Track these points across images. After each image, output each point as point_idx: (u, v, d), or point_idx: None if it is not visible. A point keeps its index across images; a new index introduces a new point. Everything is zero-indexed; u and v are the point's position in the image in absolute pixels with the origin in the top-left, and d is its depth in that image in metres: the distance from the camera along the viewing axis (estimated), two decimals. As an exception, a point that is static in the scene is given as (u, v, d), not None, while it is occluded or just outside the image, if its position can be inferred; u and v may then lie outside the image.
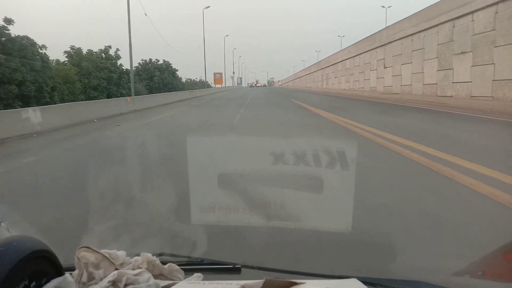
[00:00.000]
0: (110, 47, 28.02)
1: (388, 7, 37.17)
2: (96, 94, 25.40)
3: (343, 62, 32.01)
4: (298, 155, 0.75)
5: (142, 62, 41.23)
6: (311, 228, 0.79)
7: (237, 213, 0.72)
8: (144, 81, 39.26)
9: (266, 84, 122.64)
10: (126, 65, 38.89)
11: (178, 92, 27.10)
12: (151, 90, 36.74)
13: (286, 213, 0.72)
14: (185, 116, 11.13)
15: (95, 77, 25.89)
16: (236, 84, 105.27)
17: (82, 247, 0.69)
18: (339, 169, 0.73)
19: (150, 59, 41.80)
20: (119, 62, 28.71)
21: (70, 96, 21.29)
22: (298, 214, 0.74)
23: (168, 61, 42.97)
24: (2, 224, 0.70)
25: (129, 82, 28.28)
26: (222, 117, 9.98)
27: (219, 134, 5.68)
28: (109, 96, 24.49)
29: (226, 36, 62.11)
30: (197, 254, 0.82)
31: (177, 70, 45.22)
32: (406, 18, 18.94)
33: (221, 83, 64.93)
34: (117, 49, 28.97)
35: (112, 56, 28.00)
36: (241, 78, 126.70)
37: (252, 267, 0.68)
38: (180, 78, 51.45)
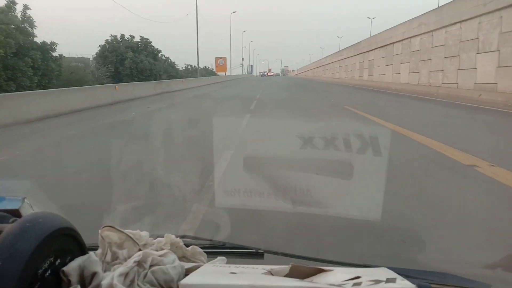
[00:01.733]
0: (14, 2, 22.88)
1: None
2: None
3: (405, 41, 30.61)
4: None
5: (111, 39, 42.18)
6: (338, 214, 1.09)
7: (262, 197, 1.02)
8: (111, 65, 39.33)
9: (280, 73, 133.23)
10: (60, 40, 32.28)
11: (106, 86, 20.99)
12: (121, 79, 37.01)
13: (313, 199, 1.02)
14: None
15: None
16: (246, 73, 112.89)
17: (105, 226, 1.02)
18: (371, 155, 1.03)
19: (123, 35, 42.84)
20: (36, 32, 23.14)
21: None
22: (325, 200, 1.04)
23: (147, 39, 43.94)
24: (25, 200, 1.05)
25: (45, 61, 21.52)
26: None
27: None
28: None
29: (233, 12, 66.19)
30: (220, 237, 1.13)
31: (160, 51, 45.78)
32: None
33: (225, 71, 69.60)
34: (26, 6, 23.35)
35: (15, 19, 22.29)
36: (251, 66, 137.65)
37: (275, 253, 0.99)
38: (173, 63, 52.16)
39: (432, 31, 25.31)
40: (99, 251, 1.02)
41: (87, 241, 1.04)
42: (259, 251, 1.01)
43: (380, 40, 37.27)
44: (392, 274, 0.84)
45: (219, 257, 0.98)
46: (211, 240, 1.05)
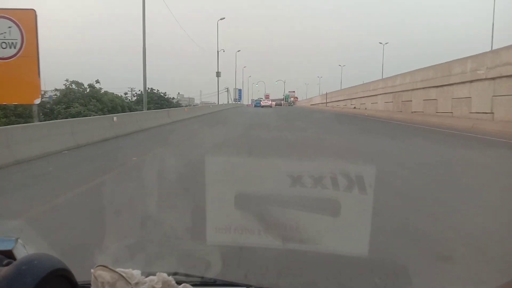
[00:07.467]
0: None
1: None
2: None
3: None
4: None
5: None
6: (327, 251, 1.12)
7: (253, 234, 1.04)
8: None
9: (284, 102, 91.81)
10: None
11: None
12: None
13: (302, 236, 1.04)
14: None
15: None
16: (231, 101, 79.51)
17: (98, 266, 1.04)
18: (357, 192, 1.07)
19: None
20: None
21: None
22: (314, 237, 1.06)
23: None
24: (18, 241, 1.06)
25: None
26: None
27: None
28: None
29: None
30: (211, 274, 1.15)
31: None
32: None
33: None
34: None
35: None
36: (240, 90, 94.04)
37: None
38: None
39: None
40: (91, 290, 1.03)
41: (80, 279, 1.05)
42: (250, 287, 1.02)
43: None
44: None
45: None
46: (202, 277, 1.06)
